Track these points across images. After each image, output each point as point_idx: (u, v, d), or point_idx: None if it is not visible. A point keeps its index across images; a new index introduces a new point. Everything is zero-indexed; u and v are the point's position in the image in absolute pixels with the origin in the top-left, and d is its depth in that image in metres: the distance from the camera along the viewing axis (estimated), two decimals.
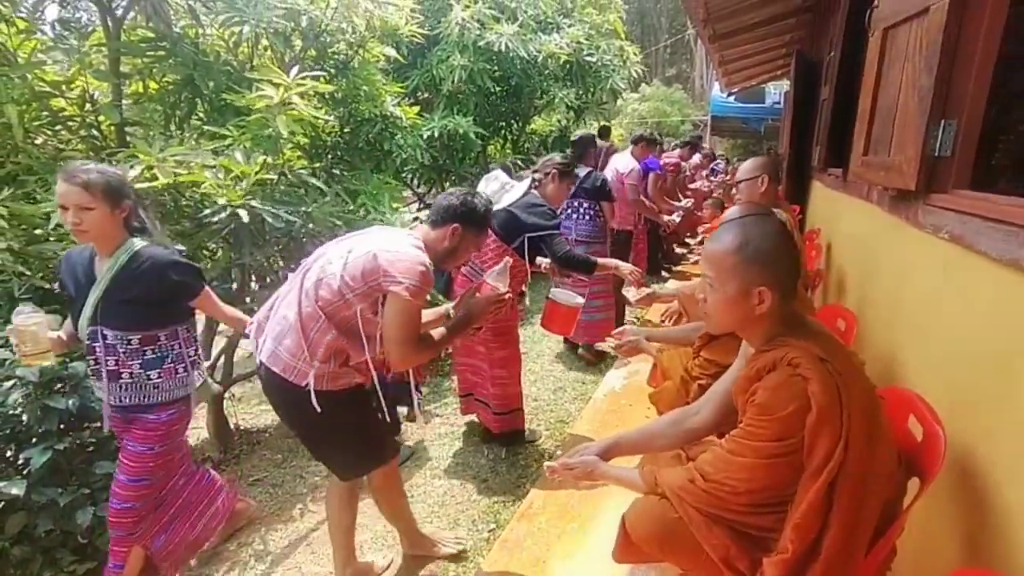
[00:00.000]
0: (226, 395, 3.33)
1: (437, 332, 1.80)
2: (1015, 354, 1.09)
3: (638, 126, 13.34)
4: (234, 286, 3.08)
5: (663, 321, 2.72)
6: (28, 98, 2.55)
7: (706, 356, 1.81)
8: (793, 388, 1.04)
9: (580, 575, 1.97)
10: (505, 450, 2.84)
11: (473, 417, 3.04)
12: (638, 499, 1.28)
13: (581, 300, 2.52)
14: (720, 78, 8.72)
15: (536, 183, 2.86)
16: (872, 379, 1.69)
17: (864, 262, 2.42)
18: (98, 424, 2.26)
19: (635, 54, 6.15)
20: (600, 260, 2.79)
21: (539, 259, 2.69)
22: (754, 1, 4.86)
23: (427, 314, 1.95)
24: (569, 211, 3.88)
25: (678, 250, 7.01)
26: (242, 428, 3.51)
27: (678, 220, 5.31)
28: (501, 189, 2.75)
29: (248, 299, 3.09)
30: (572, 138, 4.53)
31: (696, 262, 3.80)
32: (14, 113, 2.36)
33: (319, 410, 1.66)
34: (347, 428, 1.81)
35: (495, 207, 2.61)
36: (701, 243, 5.94)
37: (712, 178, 8.19)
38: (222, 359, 3.27)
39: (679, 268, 6.40)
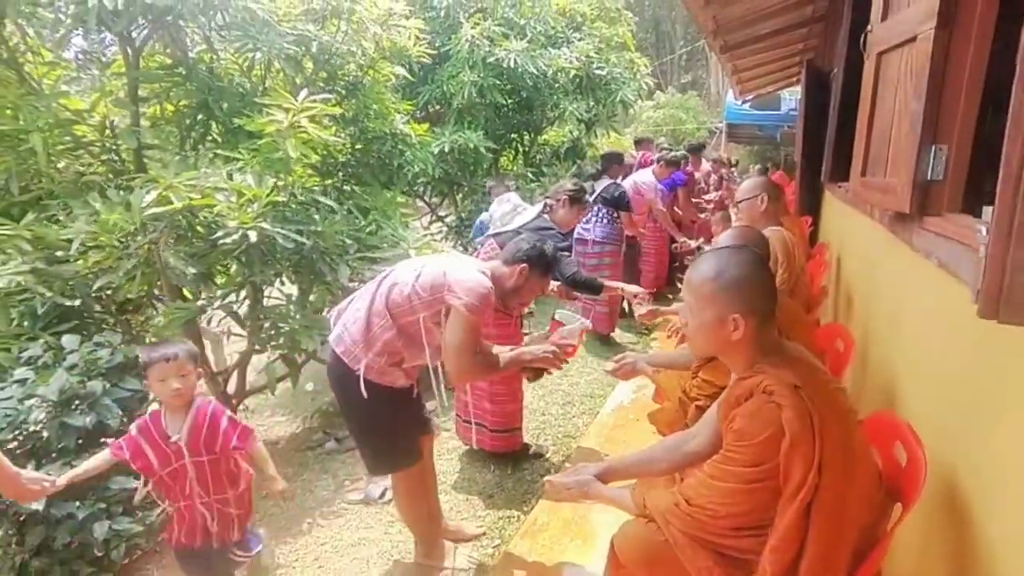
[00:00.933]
0: (239, 408, 3.43)
1: (504, 356, 1.97)
2: (993, 389, 1.11)
3: (653, 134, 13.33)
4: (245, 303, 3.17)
5: (669, 337, 2.74)
6: (52, 125, 2.67)
7: (704, 377, 1.83)
8: (768, 415, 1.07)
9: None
10: (511, 466, 2.87)
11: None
12: (626, 522, 1.32)
13: (587, 323, 2.53)
14: (734, 86, 8.70)
15: (548, 208, 3.02)
16: (874, 398, 1.71)
17: (868, 281, 2.41)
18: (113, 440, 2.35)
19: (646, 66, 6.19)
20: (607, 283, 2.98)
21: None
22: (763, 13, 4.86)
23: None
24: (590, 215, 4.21)
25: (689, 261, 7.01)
26: None
27: (694, 246, 5.37)
28: (513, 211, 2.94)
29: (261, 316, 3.18)
30: (601, 154, 5.18)
31: None
32: (39, 140, 2.48)
33: (365, 395, 1.84)
34: (381, 423, 1.96)
35: (506, 228, 2.86)
36: None
37: (731, 185, 8.17)
38: (235, 372, 3.36)
39: None
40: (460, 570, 2.18)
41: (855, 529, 1.08)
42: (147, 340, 3.08)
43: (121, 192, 2.61)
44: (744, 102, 9.79)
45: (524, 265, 1.95)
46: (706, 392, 1.83)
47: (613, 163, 4.67)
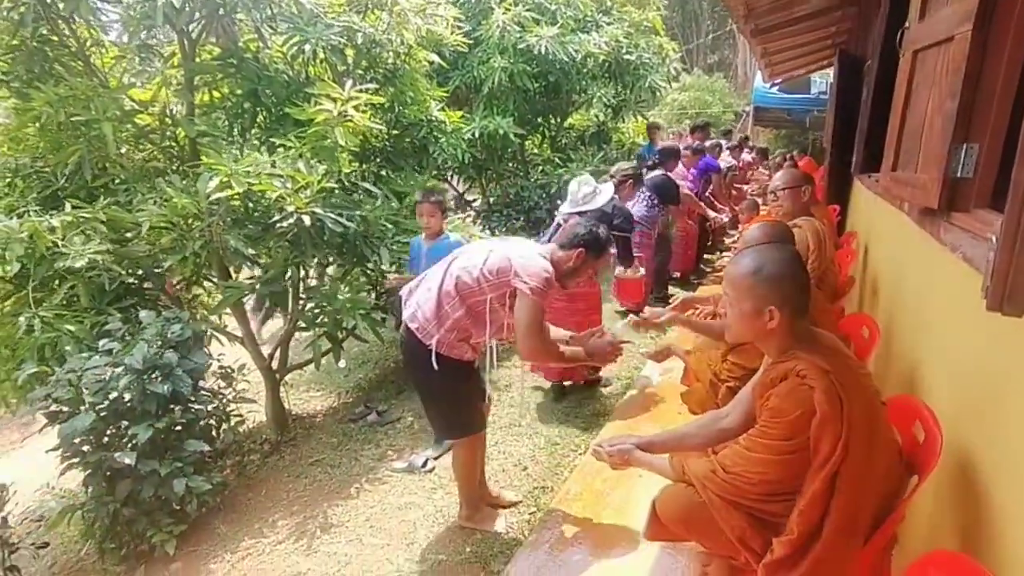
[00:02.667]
0: (282, 382, 3.64)
1: (566, 349, 2.16)
2: (1009, 377, 1.22)
3: (678, 117, 13.21)
4: (289, 283, 3.35)
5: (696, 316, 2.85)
6: (119, 115, 2.85)
7: (733, 360, 1.96)
8: (801, 396, 1.21)
9: (614, 554, 2.16)
10: (544, 439, 3.04)
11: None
12: (666, 486, 1.47)
13: (643, 271, 3.55)
14: (763, 69, 8.59)
15: (617, 189, 3.69)
16: (897, 383, 1.82)
17: (894, 271, 2.49)
18: (184, 407, 2.57)
19: (674, 51, 6.18)
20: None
21: None
22: None
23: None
24: (637, 195, 4.52)
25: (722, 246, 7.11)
26: (295, 414, 3.82)
27: (725, 220, 5.87)
28: (592, 192, 3.40)
29: (304, 295, 3.37)
30: (659, 147, 5.71)
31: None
32: (109, 129, 2.66)
33: (435, 367, 2.04)
34: (451, 393, 2.19)
35: (587, 207, 3.32)
36: (736, 243, 5.99)
37: (760, 175, 8.22)
38: (279, 349, 3.57)
39: (719, 264, 6.50)
40: (499, 534, 2.37)
41: (875, 497, 1.22)
42: (199, 317, 3.30)
43: (182, 179, 2.80)
44: (773, 85, 9.65)
45: (581, 250, 2.11)
46: (736, 374, 1.97)
47: (670, 158, 5.11)
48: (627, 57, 5.69)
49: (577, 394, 3.55)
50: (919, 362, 1.88)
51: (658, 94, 6.47)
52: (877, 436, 1.21)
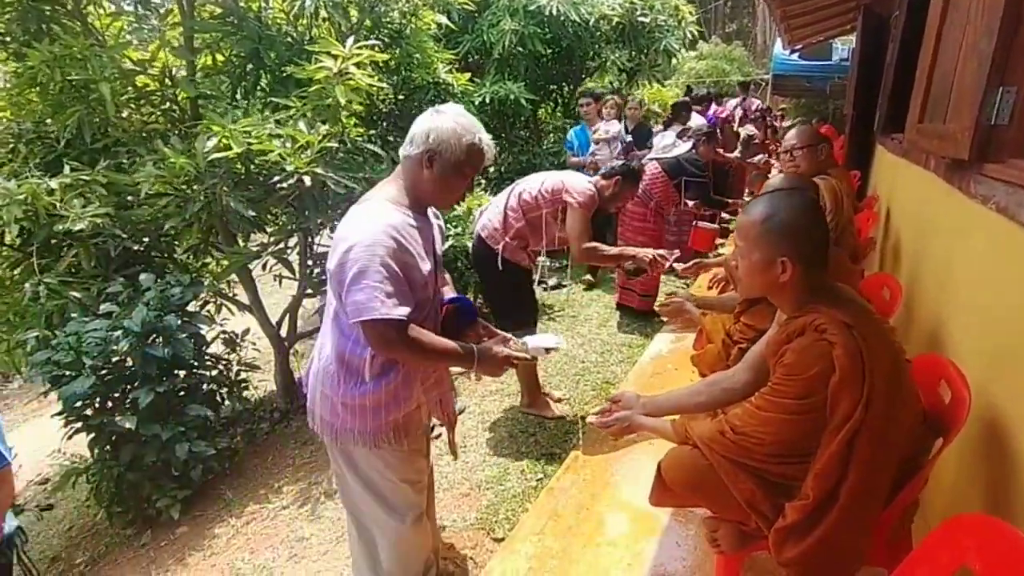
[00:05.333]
0: (291, 351, 3.63)
1: (609, 249, 2.73)
2: None
3: (697, 85, 12.83)
4: (296, 249, 3.31)
5: (710, 287, 2.78)
6: (117, 76, 2.78)
7: (745, 321, 1.88)
8: (819, 351, 1.12)
9: (622, 520, 2.12)
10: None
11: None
12: (672, 448, 1.40)
13: (716, 227, 4.17)
14: (783, 35, 8.26)
15: (695, 144, 4.35)
16: (919, 344, 1.73)
17: (917, 230, 2.38)
18: (186, 372, 2.56)
19: (691, 13, 5.94)
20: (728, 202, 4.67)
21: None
22: None
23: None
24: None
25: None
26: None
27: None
28: (672, 144, 4.23)
29: (311, 261, 3.33)
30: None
31: None
32: (107, 90, 2.60)
33: (500, 268, 2.58)
34: (509, 289, 2.70)
35: (667, 155, 4.13)
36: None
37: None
38: (287, 317, 3.55)
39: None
40: (558, 417, 2.87)
41: (895, 460, 1.14)
42: (207, 284, 3.28)
43: (182, 140, 2.74)
44: (792, 52, 9.28)
45: (619, 177, 2.71)
46: (748, 336, 1.88)
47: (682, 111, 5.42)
48: (641, 19, 5.49)
49: (588, 360, 3.50)
50: (943, 322, 1.79)
51: (675, 59, 6.27)
52: (899, 395, 1.12)
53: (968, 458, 1.39)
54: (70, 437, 2.40)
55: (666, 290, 4.44)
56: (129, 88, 2.95)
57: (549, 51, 5.35)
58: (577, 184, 2.59)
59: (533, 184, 2.65)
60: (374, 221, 1.34)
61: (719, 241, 6.08)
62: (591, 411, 2.92)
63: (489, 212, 2.72)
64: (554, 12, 4.83)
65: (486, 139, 1.45)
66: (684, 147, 4.12)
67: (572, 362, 3.52)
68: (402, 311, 1.32)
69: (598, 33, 5.41)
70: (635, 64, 5.87)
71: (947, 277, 1.83)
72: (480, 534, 2.21)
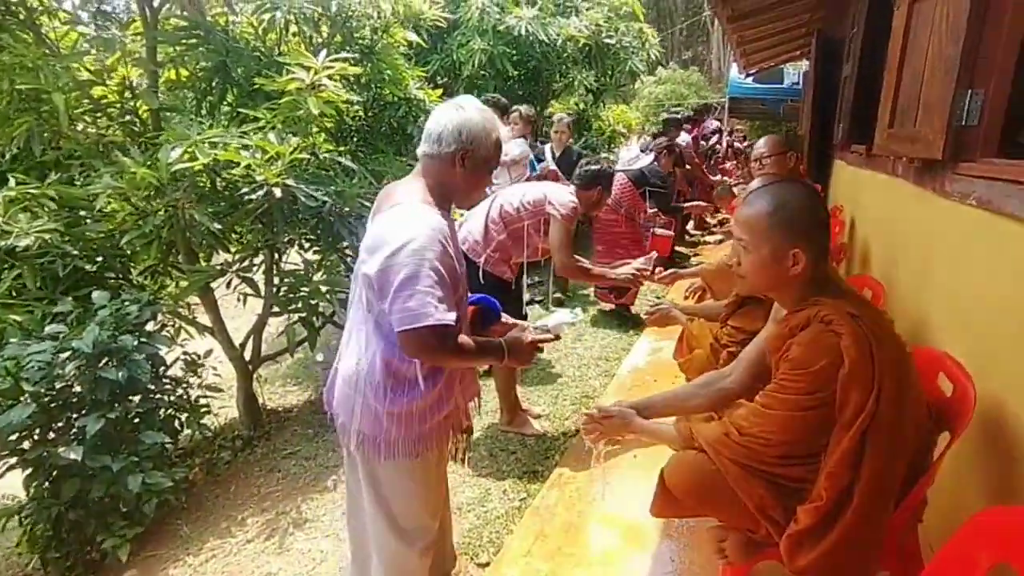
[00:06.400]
0: (255, 375, 3.44)
1: (595, 268, 2.71)
2: None
3: (655, 110, 13.21)
4: (261, 268, 3.17)
5: (686, 297, 2.78)
6: (72, 87, 2.64)
7: (734, 324, 1.86)
8: (826, 343, 1.09)
9: (613, 540, 2.04)
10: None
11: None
12: (675, 455, 1.34)
13: (671, 233, 4.46)
14: (738, 59, 8.62)
15: (656, 157, 4.71)
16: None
17: (889, 234, 2.44)
18: (142, 396, 2.37)
19: (653, 36, 6.12)
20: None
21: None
22: None
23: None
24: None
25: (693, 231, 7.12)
26: (269, 408, 3.62)
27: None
28: (636, 157, 4.60)
29: (277, 280, 3.18)
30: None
31: (721, 240, 4.26)
32: (60, 101, 2.45)
33: (481, 282, 2.50)
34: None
35: (632, 167, 4.42)
36: (721, 224, 5.97)
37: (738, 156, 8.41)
38: (251, 339, 3.37)
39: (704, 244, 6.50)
40: (538, 434, 2.80)
41: (907, 456, 1.11)
42: (165, 304, 3.09)
43: (143, 152, 2.60)
44: (748, 75, 9.69)
45: (600, 187, 2.75)
46: (737, 339, 1.86)
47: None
48: (607, 41, 5.61)
49: (566, 375, 3.44)
50: (928, 316, 1.81)
51: (639, 81, 6.44)
52: (908, 387, 1.10)
53: (965, 452, 1.37)
54: (1, 475, 2.17)
55: (645, 292, 4.56)
56: (85, 100, 2.80)
57: (517, 72, 5.40)
58: (560, 196, 2.57)
59: (514, 196, 2.63)
60: (417, 224, 1.26)
61: (692, 251, 6.27)
62: (577, 424, 2.85)
63: (469, 225, 2.68)
64: (523, 32, 4.89)
65: (504, 131, 1.51)
66: (647, 159, 4.45)
67: (550, 377, 3.45)
68: (452, 316, 1.27)
69: (565, 54, 5.50)
70: (601, 84, 5.98)
71: (927, 273, 1.86)
72: (463, 560, 2.08)
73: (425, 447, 1.43)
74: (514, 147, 4.14)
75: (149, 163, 2.40)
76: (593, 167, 2.74)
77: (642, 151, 4.98)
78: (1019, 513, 0.91)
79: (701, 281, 2.71)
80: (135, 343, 2.22)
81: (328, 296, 2.93)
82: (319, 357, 4.49)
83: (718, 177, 6.95)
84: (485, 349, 1.43)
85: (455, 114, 1.33)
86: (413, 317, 1.22)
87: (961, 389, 1.20)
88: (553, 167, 4.58)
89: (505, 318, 1.71)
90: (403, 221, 1.28)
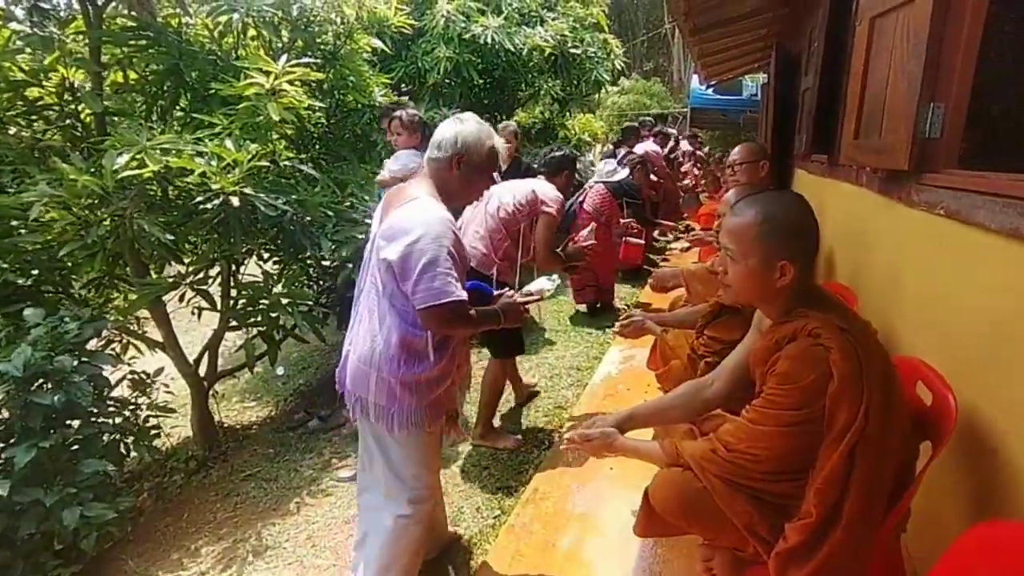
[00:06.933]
0: (211, 392, 3.26)
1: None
2: (1016, 315, 1.14)
3: (618, 119, 13.41)
4: (217, 280, 3.01)
5: (672, 308, 2.76)
6: (3, 87, 2.45)
7: (710, 334, 1.84)
8: (815, 357, 1.07)
9: (591, 557, 1.98)
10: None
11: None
12: (659, 472, 1.30)
13: (642, 242, 4.95)
14: (699, 71, 8.84)
15: (632, 170, 4.98)
16: None
17: (853, 243, 2.48)
18: (82, 421, 2.19)
19: (618, 47, 6.18)
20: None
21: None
22: None
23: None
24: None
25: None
26: (226, 426, 3.44)
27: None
28: (614, 170, 4.72)
29: (234, 292, 3.03)
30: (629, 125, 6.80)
31: (687, 247, 4.33)
32: None
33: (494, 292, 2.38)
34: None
35: (611, 179, 4.63)
36: (687, 230, 6.05)
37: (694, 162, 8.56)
38: (206, 355, 3.20)
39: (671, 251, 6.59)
40: (508, 449, 2.73)
41: (894, 469, 1.10)
42: (111, 319, 2.89)
43: (85, 159, 2.42)
44: (708, 87, 9.95)
45: (567, 172, 2.97)
46: (713, 349, 1.84)
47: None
48: (573, 51, 5.64)
49: (538, 385, 3.38)
50: (898, 324, 1.83)
51: (603, 91, 6.49)
52: (894, 400, 1.08)
53: (939, 460, 1.38)
54: None
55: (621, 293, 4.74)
56: (19, 102, 2.60)
57: (482, 80, 5.36)
58: (549, 193, 2.70)
59: (506, 198, 2.66)
60: (433, 216, 1.49)
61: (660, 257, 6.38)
62: (552, 437, 2.80)
63: (468, 239, 2.61)
64: (488, 41, 4.86)
65: (500, 142, 1.67)
66: (623, 173, 4.74)
67: (523, 388, 3.38)
68: (464, 293, 1.50)
69: (531, 63, 5.50)
70: (567, 94, 6.00)
71: (895, 281, 1.88)
72: None
73: (432, 418, 1.64)
74: (395, 162, 3.45)
75: (93, 170, 2.24)
76: (557, 154, 2.96)
77: (604, 158, 5.34)
78: (1004, 529, 0.89)
79: (683, 285, 2.70)
80: (74, 363, 2.05)
81: (289, 308, 2.80)
82: (280, 371, 4.32)
83: (685, 182, 7.21)
84: (486, 316, 1.66)
85: (454, 126, 1.58)
86: (437, 295, 1.44)
87: (941, 399, 1.19)
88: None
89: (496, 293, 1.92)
90: (420, 213, 1.49)
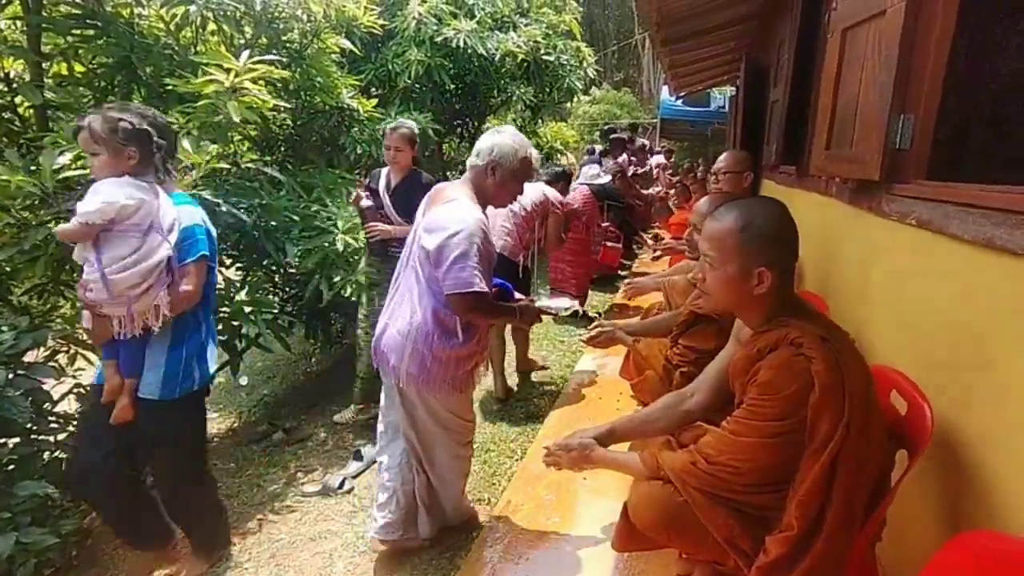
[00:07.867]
0: None
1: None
2: (988, 324, 1.14)
3: (589, 129, 13.54)
4: None
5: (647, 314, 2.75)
6: None
7: (685, 344, 1.82)
8: (797, 367, 1.04)
9: (567, 569, 1.92)
10: (476, 446, 2.76)
11: None
12: (638, 486, 1.25)
13: (620, 246, 5.59)
14: (669, 82, 8.97)
15: (613, 177, 5.55)
16: None
17: (822, 252, 2.50)
18: (20, 440, 2.03)
19: (591, 55, 6.21)
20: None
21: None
22: (703, 8, 5.01)
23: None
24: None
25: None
26: None
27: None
28: (597, 175, 5.16)
29: None
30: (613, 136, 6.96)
31: (658, 255, 4.32)
32: None
33: (521, 276, 3.10)
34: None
35: (595, 183, 5.05)
36: (656, 239, 6.11)
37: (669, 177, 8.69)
38: None
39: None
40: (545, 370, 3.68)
41: (873, 479, 1.08)
42: (55, 328, 2.71)
43: (23, 156, 2.26)
44: (678, 98, 10.12)
45: (561, 183, 3.76)
46: (689, 358, 1.82)
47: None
48: (546, 58, 5.62)
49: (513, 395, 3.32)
50: (870, 332, 1.83)
51: (576, 99, 6.50)
52: (873, 410, 1.07)
53: (916, 470, 1.37)
54: None
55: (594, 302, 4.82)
56: None
57: (454, 85, 5.29)
58: (557, 195, 3.39)
59: (525, 200, 3.14)
60: (469, 215, 1.71)
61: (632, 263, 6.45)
62: (523, 447, 2.74)
63: (498, 231, 3.09)
64: (461, 45, 4.80)
65: (534, 153, 1.87)
66: (606, 178, 5.20)
67: (490, 398, 3.32)
68: (485, 286, 1.71)
69: (504, 69, 5.46)
70: (540, 101, 5.98)
71: (865, 290, 1.90)
72: None
73: (463, 385, 1.90)
74: None
75: (33, 168, 2.09)
76: (556, 168, 3.84)
77: (589, 162, 5.64)
78: (984, 539, 0.88)
79: (662, 292, 2.69)
80: (8, 376, 1.89)
81: (252, 317, 2.67)
82: (243, 381, 4.15)
83: (658, 190, 7.36)
84: (506, 310, 1.94)
85: (492, 136, 1.81)
86: (463, 284, 1.67)
87: (916, 408, 1.18)
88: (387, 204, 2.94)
89: (517, 296, 2.13)
90: (459, 212, 1.72)
